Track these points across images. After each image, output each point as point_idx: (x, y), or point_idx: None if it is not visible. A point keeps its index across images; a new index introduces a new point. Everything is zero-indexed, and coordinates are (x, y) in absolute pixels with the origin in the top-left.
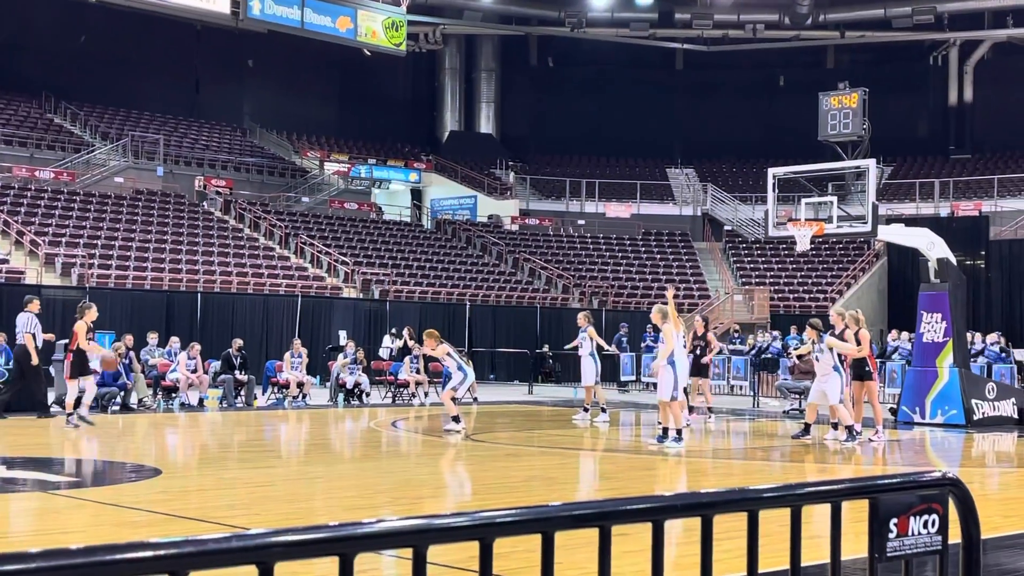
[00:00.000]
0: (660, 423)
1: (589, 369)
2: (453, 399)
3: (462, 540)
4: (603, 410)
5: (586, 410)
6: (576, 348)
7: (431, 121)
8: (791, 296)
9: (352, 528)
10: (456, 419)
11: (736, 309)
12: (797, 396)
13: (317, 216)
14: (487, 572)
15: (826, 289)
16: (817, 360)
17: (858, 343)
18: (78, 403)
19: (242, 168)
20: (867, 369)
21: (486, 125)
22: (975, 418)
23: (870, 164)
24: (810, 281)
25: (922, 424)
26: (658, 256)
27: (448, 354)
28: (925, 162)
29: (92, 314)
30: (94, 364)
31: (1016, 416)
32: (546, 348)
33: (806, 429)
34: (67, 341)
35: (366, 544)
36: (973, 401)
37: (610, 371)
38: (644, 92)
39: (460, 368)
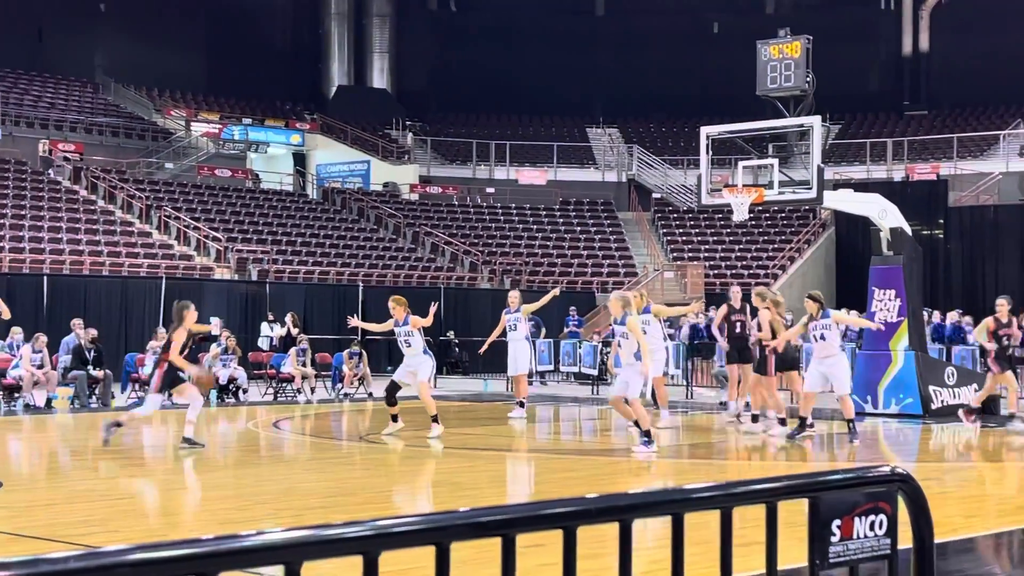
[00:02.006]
0: (633, 424)
1: (524, 356)
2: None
3: (344, 554)
4: (520, 404)
5: (522, 405)
6: (504, 333)
7: (316, 75)
8: (728, 272)
9: (218, 543)
10: (435, 419)
11: (667, 287)
12: (717, 384)
13: (183, 185)
14: None
15: (767, 264)
16: (819, 340)
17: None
18: None
19: (94, 130)
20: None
21: (380, 79)
22: (933, 407)
23: (815, 122)
24: (749, 255)
25: (875, 414)
26: (578, 228)
27: (420, 330)
28: (877, 119)
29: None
30: None
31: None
32: (451, 335)
33: (801, 425)
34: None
35: (234, 561)
36: (931, 388)
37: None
38: (561, 41)
39: (427, 351)
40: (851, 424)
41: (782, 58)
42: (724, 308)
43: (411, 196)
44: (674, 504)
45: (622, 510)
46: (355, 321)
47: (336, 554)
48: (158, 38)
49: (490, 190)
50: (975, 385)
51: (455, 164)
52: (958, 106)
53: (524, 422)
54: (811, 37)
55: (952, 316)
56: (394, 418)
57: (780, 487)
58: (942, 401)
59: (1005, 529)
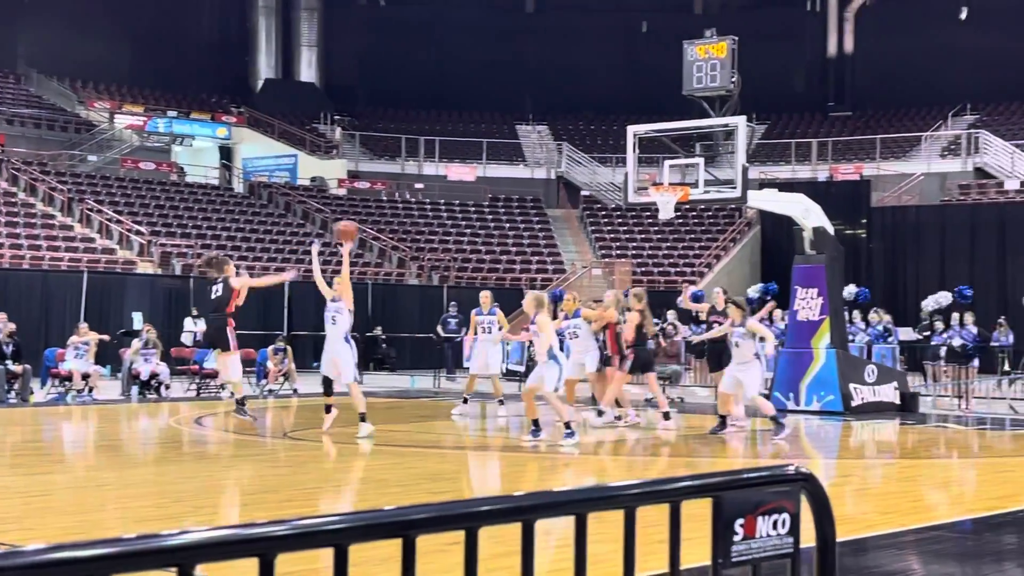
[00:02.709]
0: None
1: (496, 356)
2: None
3: (239, 557)
4: (464, 401)
5: (502, 402)
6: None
7: (243, 67)
8: (655, 270)
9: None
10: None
11: (594, 284)
12: (663, 383)
13: (106, 178)
14: None
15: (693, 262)
16: (736, 346)
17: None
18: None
19: (16, 121)
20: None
21: (308, 72)
22: (853, 404)
23: (740, 122)
24: (676, 253)
25: (796, 411)
26: (507, 225)
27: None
28: (802, 120)
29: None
30: None
31: (898, 401)
32: (379, 331)
33: (722, 423)
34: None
35: (132, 563)
36: (851, 385)
37: (453, 358)
38: (491, 37)
39: (348, 339)
40: (775, 419)
41: (708, 58)
42: (706, 306)
43: (339, 191)
44: (577, 504)
45: (524, 510)
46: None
47: (231, 556)
48: (82, 29)
49: (419, 186)
50: (895, 383)
51: (384, 159)
52: (882, 107)
53: (507, 419)
54: (737, 38)
55: (874, 316)
56: (327, 408)
57: (683, 487)
58: (862, 398)
59: (921, 526)
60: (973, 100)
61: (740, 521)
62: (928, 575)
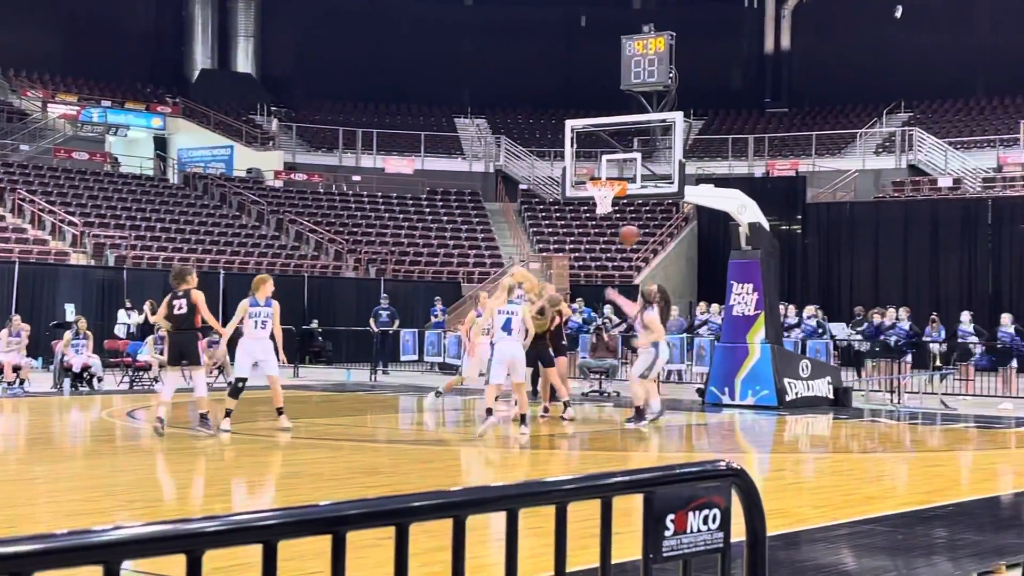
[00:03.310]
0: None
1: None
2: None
3: (165, 553)
4: (438, 394)
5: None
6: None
7: (178, 57)
8: (593, 264)
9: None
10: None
11: (532, 278)
12: (598, 376)
13: (39, 167)
14: None
15: (631, 256)
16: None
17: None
18: None
19: None
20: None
21: (244, 63)
22: (788, 399)
23: (677, 117)
24: (614, 248)
25: (731, 406)
26: (445, 218)
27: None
28: (739, 116)
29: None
30: None
31: (831, 396)
32: (315, 324)
33: (638, 413)
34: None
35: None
36: (786, 380)
37: (391, 351)
38: (430, 30)
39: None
40: (638, 409)
41: (646, 53)
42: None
43: (275, 183)
44: (508, 500)
45: (456, 506)
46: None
47: (157, 553)
48: (15, 16)
49: (356, 178)
50: (828, 377)
51: (321, 151)
52: (818, 104)
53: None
54: (674, 33)
55: (808, 310)
56: (227, 413)
57: (614, 483)
58: (796, 393)
59: (853, 519)
60: (908, 98)
61: (671, 516)
62: (860, 569)
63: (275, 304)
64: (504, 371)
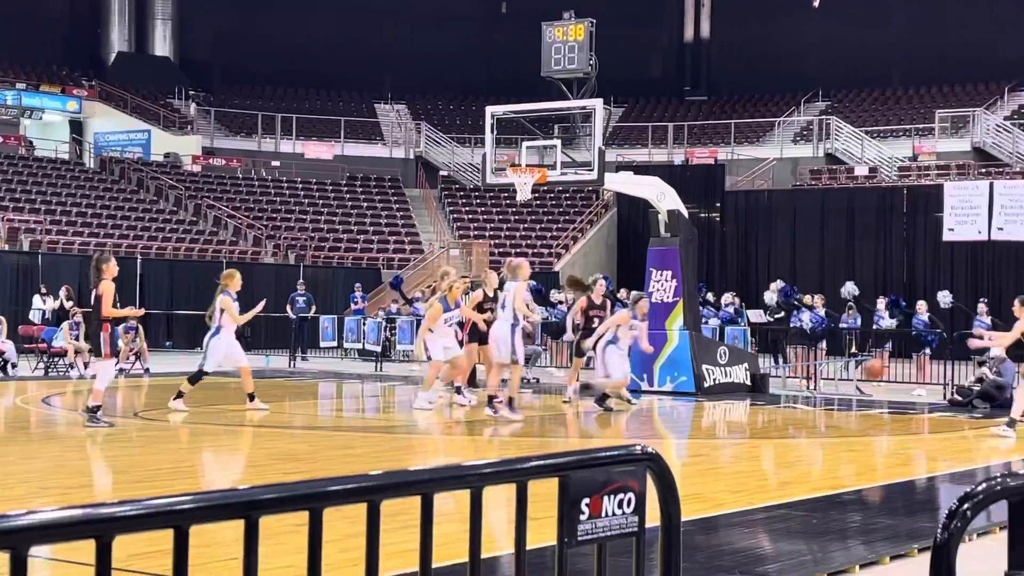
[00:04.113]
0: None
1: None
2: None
3: (76, 539)
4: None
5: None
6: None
7: (95, 40)
8: (513, 251)
9: None
10: (252, 397)
11: (452, 265)
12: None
13: None
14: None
15: (551, 243)
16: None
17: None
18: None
19: None
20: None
21: (162, 47)
22: (706, 385)
23: (596, 104)
24: (534, 234)
25: (650, 392)
26: (365, 204)
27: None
28: (659, 104)
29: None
30: None
31: (748, 382)
32: None
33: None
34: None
35: None
36: (704, 367)
37: (310, 337)
38: (351, 15)
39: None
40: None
41: (566, 40)
42: (584, 301)
43: (193, 168)
44: (423, 484)
45: (370, 491)
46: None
47: (67, 539)
48: None
49: (275, 163)
50: (746, 364)
51: (240, 136)
52: (737, 93)
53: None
54: (595, 20)
55: (726, 298)
56: (179, 395)
57: (529, 467)
58: (714, 379)
59: (769, 504)
60: (825, 87)
61: (586, 500)
62: (777, 552)
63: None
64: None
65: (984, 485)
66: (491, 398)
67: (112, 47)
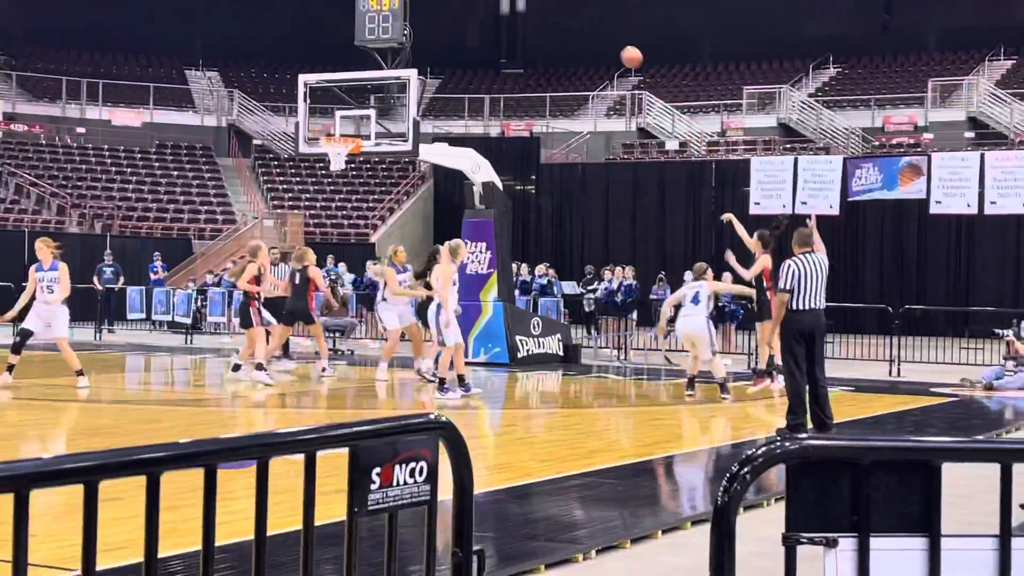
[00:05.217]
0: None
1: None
2: None
3: None
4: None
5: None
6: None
7: None
8: (328, 222)
9: None
10: (80, 372)
11: (267, 236)
12: (334, 335)
13: None
14: None
15: (367, 215)
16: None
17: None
18: None
19: None
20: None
21: None
22: (519, 355)
23: (411, 75)
24: (350, 205)
25: (467, 363)
26: (175, 173)
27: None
28: (475, 76)
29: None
30: None
31: (561, 353)
32: None
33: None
34: None
35: None
36: (517, 337)
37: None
38: None
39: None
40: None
41: (380, 9)
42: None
43: None
44: (207, 456)
45: (150, 463)
46: None
47: None
48: None
49: (80, 130)
50: (559, 335)
51: (43, 102)
52: (552, 67)
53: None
54: None
55: (540, 269)
56: (10, 368)
57: (317, 437)
58: (527, 350)
59: (579, 471)
60: None
61: (377, 470)
62: (588, 519)
63: (62, 266)
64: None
65: (763, 449)
66: (442, 380)
67: None
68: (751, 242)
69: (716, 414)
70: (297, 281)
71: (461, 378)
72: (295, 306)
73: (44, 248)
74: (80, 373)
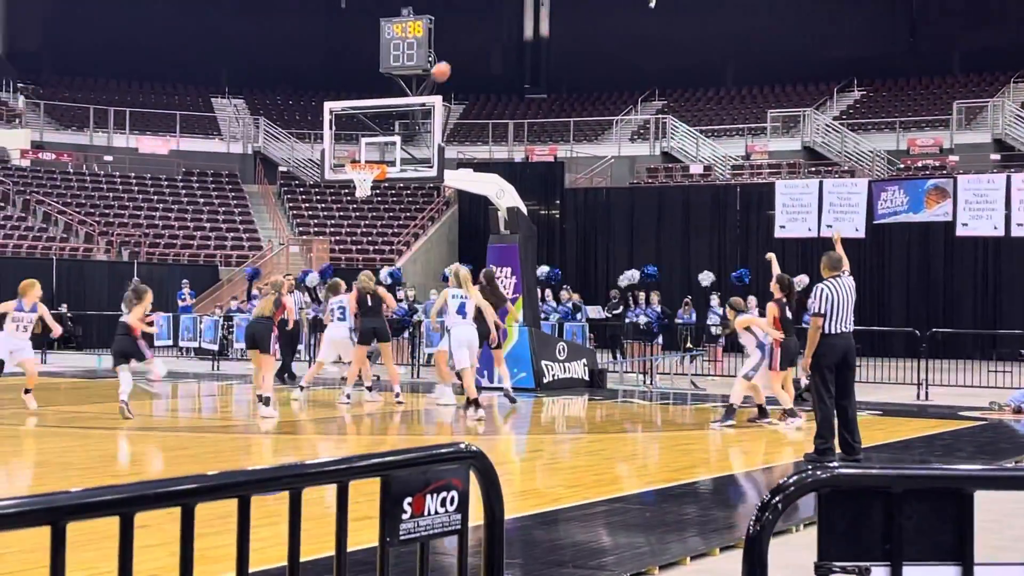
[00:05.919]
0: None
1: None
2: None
3: None
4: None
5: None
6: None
7: None
8: (354, 248)
9: None
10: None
11: (292, 262)
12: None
13: None
14: None
15: (392, 240)
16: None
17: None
18: None
19: None
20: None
21: None
22: (545, 381)
23: (436, 101)
24: (375, 231)
25: (490, 388)
26: (202, 200)
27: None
28: (499, 101)
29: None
30: None
31: (587, 378)
32: (64, 308)
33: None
34: None
35: None
36: (543, 362)
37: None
38: (186, 6)
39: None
40: (728, 408)
41: (405, 37)
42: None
43: (22, 162)
44: (240, 487)
45: (185, 495)
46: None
47: None
48: None
49: (108, 158)
50: (585, 360)
51: (71, 130)
52: (576, 91)
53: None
54: (433, 17)
55: (564, 294)
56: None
57: (350, 467)
58: (553, 375)
59: (606, 497)
60: (661, 86)
61: (408, 499)
62: (615, 545)
63: (41, 307)
64: (469, 354)
65: (795, 477)
66: (470, 400)
67: None
68: (774, 284)
69: (744, 439)
70: (370, 303)
71: (475, 402)
72: (375, 323)
73: (30, 289)
74: (28, 392)
